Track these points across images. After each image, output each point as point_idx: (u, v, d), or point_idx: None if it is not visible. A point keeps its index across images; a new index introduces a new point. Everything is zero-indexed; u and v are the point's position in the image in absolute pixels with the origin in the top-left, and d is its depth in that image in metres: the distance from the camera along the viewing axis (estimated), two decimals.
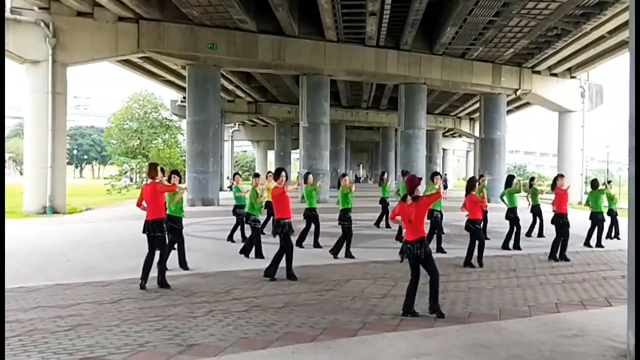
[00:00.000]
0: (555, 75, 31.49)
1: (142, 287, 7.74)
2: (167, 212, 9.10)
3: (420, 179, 6.91)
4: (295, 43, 24.74)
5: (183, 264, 9.41)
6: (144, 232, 8.06)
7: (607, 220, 14.10)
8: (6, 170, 66.45)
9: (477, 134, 42.35)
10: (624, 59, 28.07)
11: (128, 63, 28.74)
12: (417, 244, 6.56)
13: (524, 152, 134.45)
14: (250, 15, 22.09)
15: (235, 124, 54.04)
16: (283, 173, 8.97)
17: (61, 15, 20.56)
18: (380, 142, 57.16)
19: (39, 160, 20.13)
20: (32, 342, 5.35)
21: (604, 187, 14.91)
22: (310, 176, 12.78)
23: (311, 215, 12.17)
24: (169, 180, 9.56)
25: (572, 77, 32.04)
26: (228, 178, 46.03)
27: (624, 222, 15.08)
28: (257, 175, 11.93)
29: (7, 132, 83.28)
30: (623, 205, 18.59)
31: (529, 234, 14.71)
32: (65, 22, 20.65)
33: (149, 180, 8.14)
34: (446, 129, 57.03)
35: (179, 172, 10.07)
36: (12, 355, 4.95)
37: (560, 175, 11.88)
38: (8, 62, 20.28)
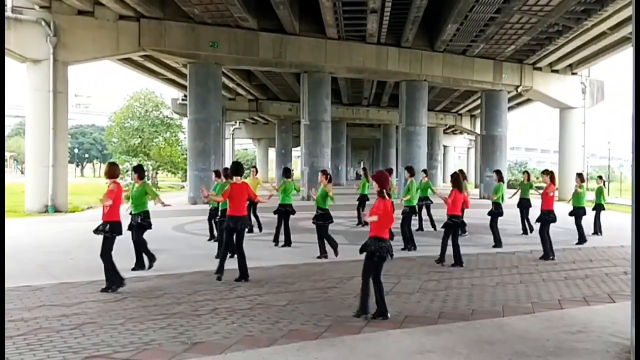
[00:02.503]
0: (556, 71, 31.44)
1: (114, 289, 7.48)
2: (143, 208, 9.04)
3: (390, 173, 6.80)
4: (296, 41, 24.74)
5: (139, 262, 9.09)
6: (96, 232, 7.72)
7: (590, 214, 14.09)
8: (7, 169, 66.51)
9: (478, 130, 42.34)
10: (626, 55, 28.05)
11: (129, 61, 28.74)
12: (389, 242, 6.35)
13: (525, 148, 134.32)
14: (251, 13, 22.08)
15: (236, 122, 54.05)
16: (242, 167, 8.85)
17: (62, 14, 20.54)
18: (381, 139, 57.15)
19: (40, 159, 20.13)
20: (37, 340, 5.37)
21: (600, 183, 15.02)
22: (293, 172, 12.69)
23: (283, 211, 11.86)
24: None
25: (573, 74, 31.97)
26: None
27: (614, 218, 15.16)
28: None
29: (8, 131, 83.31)
30: (626, 201, 18.57)
31: (525, 232, 14.71)
32: (66, 20, 20.63)
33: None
34: (447, 126, 57.01)
35: (142, 167, 9.66)
36: (18, 354, 4.97)
37: (547, 171, 11.39)
38: (9, 61, 20.31)
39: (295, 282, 8.31)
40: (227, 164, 46.42)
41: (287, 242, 11.89)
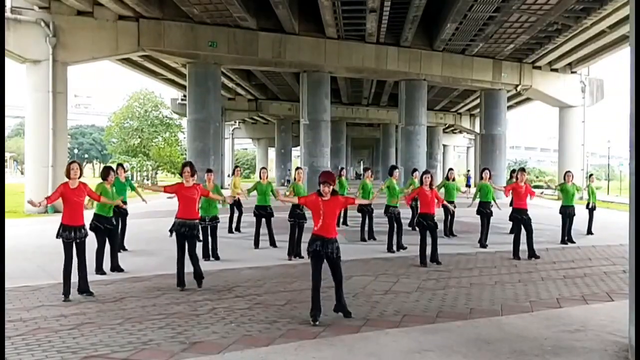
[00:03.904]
0: (555, 70, 31.42)
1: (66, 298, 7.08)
2: (95, 210, 8.79)
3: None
4: (295, 40, 24.71)
5: (98, 268, 8.71)
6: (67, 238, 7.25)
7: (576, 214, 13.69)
8: (7, 170, 66.49)
9: (477, 130, 42.33)
10: (625, 53, 28.01)
11: (128, 62, 28.74)
12: (329, 243, 6.15)
13: (525, 147, 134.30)
14: (250, 12, 22.07)
15: (235, 122, 54.05)
16: (187, 168, 7.94)
17: (61, 14, 20.53)
18: (380, 138, 57.17)
19: (40, 160, 20.13)
20: (35, 341, 5.38)
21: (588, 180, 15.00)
22: (264, 170, 12.02)
23: (260, 214, 11.58)
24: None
25: (572, 72, 31.96)
26: (229, 176, 46.08)
27: (613, 216, 14.94)
28: (209, 171, 11.27)
29: (8, 132, 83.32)
30: (626, 199, 18.62)
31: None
32: (66, 21, 20.63)
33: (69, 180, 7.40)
34: (447, 125, 57.01)
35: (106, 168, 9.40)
36: (16, 354, 4.97)
37: (521, 170, 11.24)
38: (9, 61, 20.30)
39: (293, 281, 8.31)
40: (227, 164, 46.73)
41: (270, 243, 11.69)
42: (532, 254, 10.69)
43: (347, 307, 6.36)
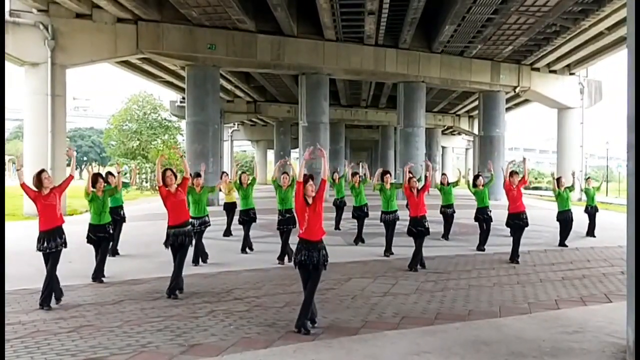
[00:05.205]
0: (554, 72, 31.47)
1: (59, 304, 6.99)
2: (90, 221, 8.69)
3: (311, 176, 6.03)
4: (294, 43, 24.74)
5: (97, 276, 8.55)
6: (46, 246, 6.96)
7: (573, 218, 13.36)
8: (6, 172, 66.43)
9: (476, 131, 42.36)
10: (623, 55, 28.05)
11: (127, 64, 28.72)
12: (315, 250, 5.84)
13: (524, 149, 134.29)
14: (248, 15, 22.09)
15: (234, 124, 54.06)
16: (169, 173, 7.66)
17: (60, 17, 20.54)
18: (379, 140, 57.10)
19: (39, 162, 19.97)
20: (35, 343, 5.39)
21: (586, 183, 14.99)
22: (245, 175, 11.58)
23: (244, 220, 11.40)
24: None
25: (571, 74, 32.01)
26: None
27: (612, 218, 14.88)
28: (198, 175, 11.31)
29: (6, 135, 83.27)
30: (625, 201, 18.64)
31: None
32: (64, 24, 20.64)
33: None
34: (445, 127, 57.00)
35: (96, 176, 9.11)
36: (16, 357, 4.98)
37: (514, 173, 10.67)
38: (7, 64, 20.30)
39: (293, 283, 8.30)
40: (226, 166, 46.72)
41: (243, 249, 11.47)
42: (513, 256, 10.52)
43: (308, 327, 5.80)
